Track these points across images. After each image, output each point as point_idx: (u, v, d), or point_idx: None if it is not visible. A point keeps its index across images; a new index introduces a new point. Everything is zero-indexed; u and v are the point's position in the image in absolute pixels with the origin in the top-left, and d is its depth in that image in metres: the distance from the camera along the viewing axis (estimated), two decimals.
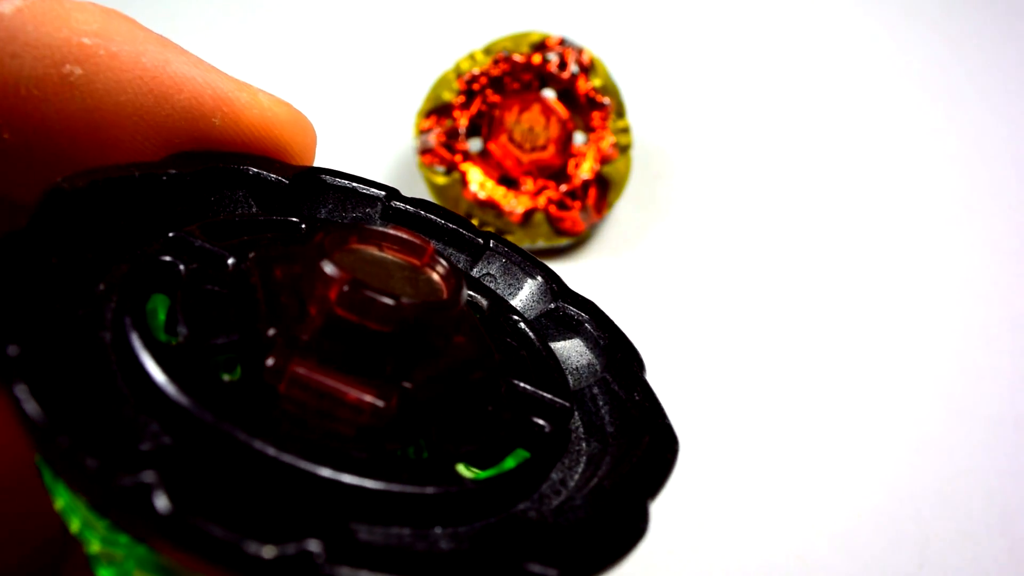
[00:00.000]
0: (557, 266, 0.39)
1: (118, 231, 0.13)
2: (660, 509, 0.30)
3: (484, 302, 0.15)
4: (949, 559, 0.30)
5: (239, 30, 0.49)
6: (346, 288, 0.11)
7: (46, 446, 0.09)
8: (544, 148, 0.38)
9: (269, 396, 0.11)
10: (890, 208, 0.42)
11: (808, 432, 0.33)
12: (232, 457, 0.10)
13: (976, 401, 0.34)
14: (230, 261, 0.13)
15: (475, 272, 0.16)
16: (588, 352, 0.15)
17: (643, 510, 0.12)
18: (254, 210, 0.15)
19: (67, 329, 0.11)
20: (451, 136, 0.38)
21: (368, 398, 0.11)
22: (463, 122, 0.38)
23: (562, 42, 0.38)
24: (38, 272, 0.11)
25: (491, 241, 0.16)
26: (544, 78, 0.38)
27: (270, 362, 0.11)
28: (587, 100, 0.38)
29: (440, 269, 0.13)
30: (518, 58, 0.38)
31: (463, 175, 0.38)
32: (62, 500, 0.11)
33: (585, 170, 0.38)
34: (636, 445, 0.13)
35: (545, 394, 0.13)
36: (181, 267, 0.12)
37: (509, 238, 0.38)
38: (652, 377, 0.15)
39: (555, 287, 0.16)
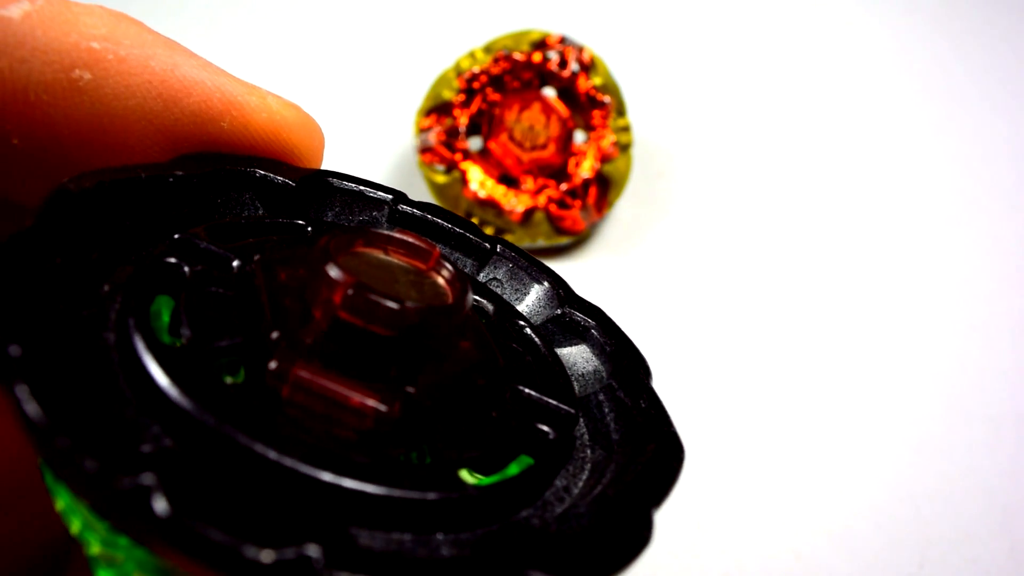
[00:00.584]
0: (557, 265, 0.39)
1: (124, 232, 0.13)
2: (661, 509, 0.30)
3: (490, 307, 0.15)
4: (949, 559, 0.30)
5: (240, 30, 0.49)
6: (350, 291, 0.11)
7: (46, 447, 0.09)
8: (544, 147, 0.38)
9: (272, 400, 0.11)
10: (891, 207, 0.42)
11: (808, 431, 0.33)
12: (233, 460, 0.10)
13: (976, 401, 0.34)
14: (235, 264, 0.12)
15: (482, 277, 0.16)
16: (594, 359, 0.15)
17: (647, 519, 0.11)
18: (260, 212, 0.15)
19: (70, 330, 0.11)
20: (451, 135, 0.38)
21: (371, 403, 0.11)
22: (463, 121, 0.38)
23: (562, 40, 0.38)
24: (42, 272, 0.11)
25: (498, 246, 0.16)
26: (544, 76, 0.38)
27: (273, 365, 0.11)
28: (587, 98, 0.38)
29: (446, 273, 0.13)
30: (518, 56, 0.38)
31: (463, 174, 0.38)
32: (63, 501, 0.11)
33: (585, 169, 0.38)
34: (641, 453, 0.13)
35: (550, 400, 0.13)
36: (186, 269, 0.12)
37: (509, 237, 0.38)
38: (653, 377, 0.15)
39: (562, 293, 0.16)
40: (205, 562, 0.09)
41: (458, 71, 0.38)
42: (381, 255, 0.13)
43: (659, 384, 0.36)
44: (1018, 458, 0.33)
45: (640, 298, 0.38)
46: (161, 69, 0.14)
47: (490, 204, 0.38)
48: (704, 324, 0.37)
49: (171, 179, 0.14)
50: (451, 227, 0.16)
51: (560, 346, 0.15)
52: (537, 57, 0.38)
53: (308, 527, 0.10)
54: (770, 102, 0.46)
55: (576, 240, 0.40)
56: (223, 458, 0.10)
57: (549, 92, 0.39)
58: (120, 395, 0.10)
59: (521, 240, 0.38)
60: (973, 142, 0.45)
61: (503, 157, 0.38)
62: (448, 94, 0.38)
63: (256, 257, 0.13)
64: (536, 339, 0.15)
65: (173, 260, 0.12)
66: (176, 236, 0.13)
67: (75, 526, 0.11)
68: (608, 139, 0.38)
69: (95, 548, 0.11)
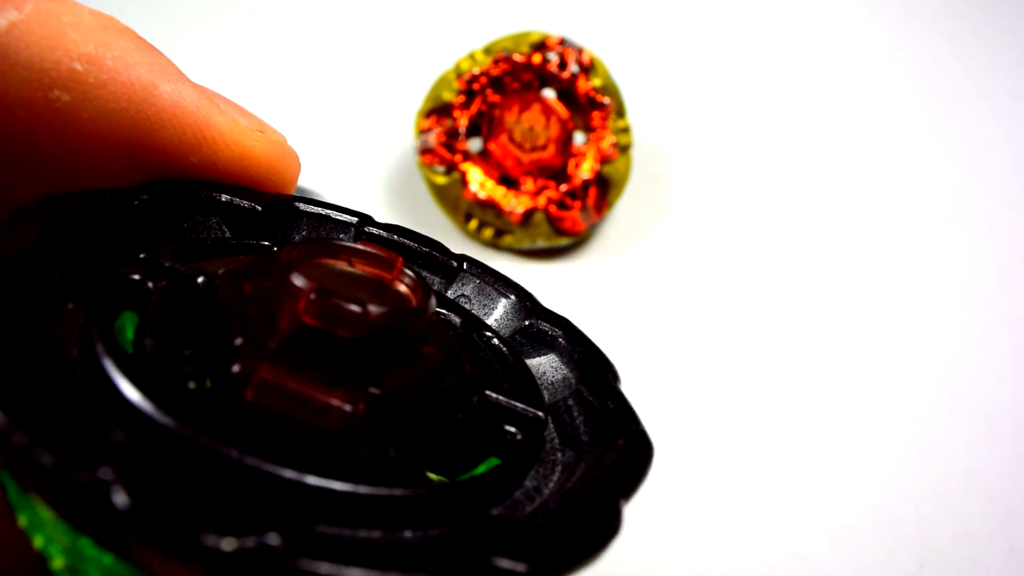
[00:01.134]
0: (557, 266, 0.39)
1: (89, 254, 0.13)
2: (662, 510, 0.30)
3: (457, 320, 0.15)
4: (949, 559, 0.30)
5: (240, 32, 0.49)
6: (313, 296, 0.11)
7: (3, 445, 0.09)
8: (544, 148, 0.38)
9: (235, 402, 0.11)
10: (890, 208, 0.42)
11: (809, 431, 0.33)
12: (196, 462, 0.10)
13: (976, 401, 0.34)
14: (200, 279, 0.13)
15: (450, 294, 0.16)
16: (563, 366, 0.15)
17: (615, 509, 0.11)
18: (228, 236, 0.15)
19: (34, 344, 0.11)
20: (451, 136, 0.38)
21: (336, 402, 0.11)
22: (463, 122, 0.38)
23: (562, 42, 0.38)
24: (2, 288, 0.11)
25: (465, 263, 0.17)
26: (544, 78, 0.38)
27: (236, 368, 0.11)
28: (587, 100, 0.38)
29: (408, 281, 0.13)
30: (518, 58, 0.38)
31: (463, 175, 0.38)
32: (24, 518, 0.11)
33: (585, 170, 0.38)
34: (610, 449, 0.13)
35: (517, 404, 0.13)
36: (150, 284, 0.12)
37: (509, 238, 0.38)
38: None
39: (529, 305, 0.16)
40: (165, 552, 0.09)
41: (458, 72, 0.38)
42: (344, 266, 0.13)
43: (657, 384, 0.36)
44: (1018, 458, 0.33)
45: (640, 299, 0.38)
46: (140, 98, 0.14)
47: (490, 205, 0.38)
48: (704, 324, 0.37)
49: (136, 202, 0.14)
50: (417, 247, 0.17)
51: (529, 356, 0.15)
52: (537, 58, 0.38)
53: (271, 521, 0.10)
54: (770, 103, 0.46)
55: (576, 241, 0.40)
56: (186, 460, 0.10)
57: (549, 93, 0.39)
58: (83, 403, 0.11)
59: (521, 241, 0.38)
60: (973, 142, 0.45)
61: (503, 158, 0.38)
62: (448, 95, 0.38)
63: (221, 271, 0.13)
64: (504, 348, 0.15)
65: (137, 277, 0.12)
66: (142, 256, 0.13)
67: (38, 541, 0.11)
68: (608, 140, 0.38)
69: (58, 561, 0.11)
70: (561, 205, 0.38)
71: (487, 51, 0.39)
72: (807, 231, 0.41)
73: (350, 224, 0.16)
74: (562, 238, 0.38)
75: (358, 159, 0.43)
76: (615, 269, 0.39)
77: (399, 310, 0.12)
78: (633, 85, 0.44)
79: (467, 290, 0.16)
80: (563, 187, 0.38)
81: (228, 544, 0.09)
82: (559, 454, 0.14)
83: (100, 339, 0.11)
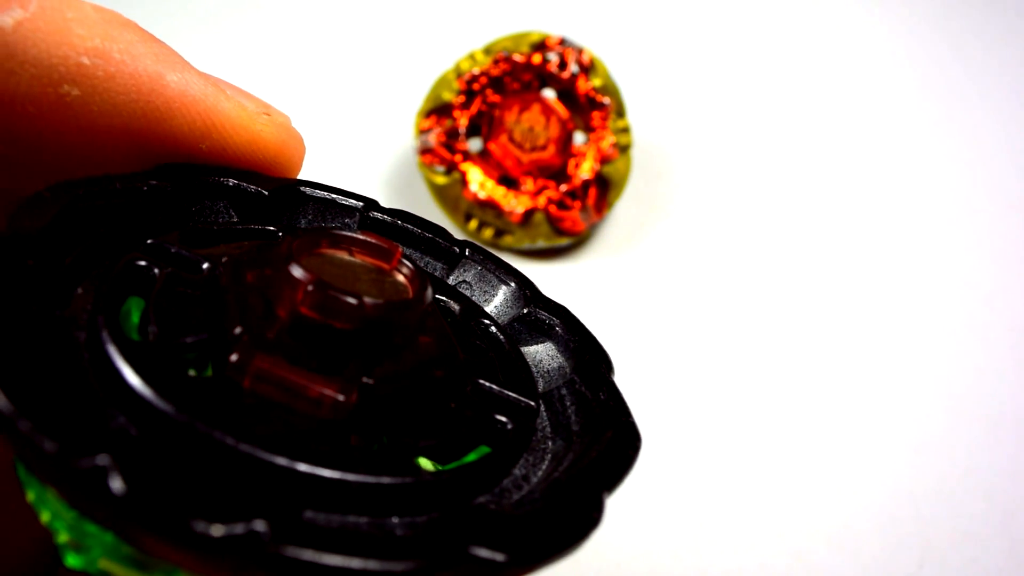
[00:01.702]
0: (557, 266, 0.39)
1: (98, 239, 0.13)
2: (661, 509, 0.30)
3: (456, 307, 0.16)
4: (949, 559, 0.30)
5: (241, 31, 0.49)
6: (311, 288, 0.12)
7: (10, 431, 0.10)
8: (544, 148, 0.38)
9: (233, 391, 0.11)
10: (890, 208, 0.42)
11: (809, 431, 0.33)
12: (193, 448, 0.10)
13: (976, 401, 0.34)
14: (204, 266, 0.13)
15: (451, 280, 0.17)
16: (559, 355, 0.15)
17: (598, 501, 0.12)
18: (234, 220, 0.15)
19: (43, 330, 0.11)
20: (451, 136, 0.38)
21: (329, 392, 0.11)
22: (463, 122, 0.38)
23: (562, 42, 0.38)
24: (13, 274, 0.11)
25: (467, 250, 0.17)
26: (544, 78, 0.38)
27: (234, 357, 0.11)
28: (587, 100, 0.38)
29: (406, 271, 0.14)
30: (518, 58, 0.38)
31: (463, 175, 0.38)
32: (32, 493, 0.12)
33: (585, 170, 0.38)
34: (598, 441, 0.13)
35: (510, 393, 0.14)
36: (156, 271, 0.13)
37: (509, 238, 0.38)
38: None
39: (528, 293, 0.16)
40: (157, 536, 0.09)
41: (458, 73, 0.38)
42: (345, 256, 0.14)
43: (658, 384, 0.36)
44: (1018, 458, 0.33)
45: (640, 299, 0.38)
46: (148, 89, 0.14)
47: (490, 205, 0.38)
48: (704, 324, 0.37)
49: (145, 188, 0.14)
50: (421, 232, 0.17)
51: (526, 344, 0.16)
52: (537, 59, 0.38)
53: (261, 507, 0.10)
54: (770, 103, 0.46)
55: (576, 241, 0.40)
56: (183, 445, 0.10)
57: (549, 93, 0.39)
58: (88, 389, 0.11)
59: (521, 241, 0.38)
60: (972, 142, 0.45)
61: (503, 158, 0.38)
62: (448, 96, 0.38)
63: (224, 259, 0.13)
64: (500, 336, 0.15)
65: (143, 263, 0.13)
66: (149, 241, 0.13)
67: (45, 516, 0.11)
68: (608, 140, 0.38)
69: (63, 536, 0.11)
70: (561, 205, 0.38)
71: (487, 51, 0.39)
72: (807, 231, 0.41)
73: (355, 209, 0.17)
74: (562, 238, 0.38)
75: (358, 159, 0.43)
76: (615, 269, 0.39)
77: (394, 302, 0.12)
78: (633, 85, 0.44)
79: (468, 276, 0.17)
80: (563, 187, 0.38)
81: (216, 530, 0.09)
82: (550, 443, 0.14)
83: (105, 326, 0.11)
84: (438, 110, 0.38)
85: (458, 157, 0.38)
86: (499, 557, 0.10)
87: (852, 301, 0.38)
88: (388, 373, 0.12)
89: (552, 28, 0.45)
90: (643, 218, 0.41)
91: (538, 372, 0.15)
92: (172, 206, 0.15)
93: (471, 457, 0.13)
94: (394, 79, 0.46)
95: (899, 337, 0.36)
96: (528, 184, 0.38)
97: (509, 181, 0.39)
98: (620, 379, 0.15)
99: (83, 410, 0.10)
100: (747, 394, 0.34)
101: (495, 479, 0.13)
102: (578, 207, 0.38)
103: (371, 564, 0.10)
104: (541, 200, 0.38)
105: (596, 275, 0.39)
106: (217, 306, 0.12)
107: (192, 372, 0.12)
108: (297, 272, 0.12)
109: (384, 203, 0.17)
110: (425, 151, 0.38)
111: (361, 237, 0.14)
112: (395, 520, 0.11)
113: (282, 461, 0.10)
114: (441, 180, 0.38)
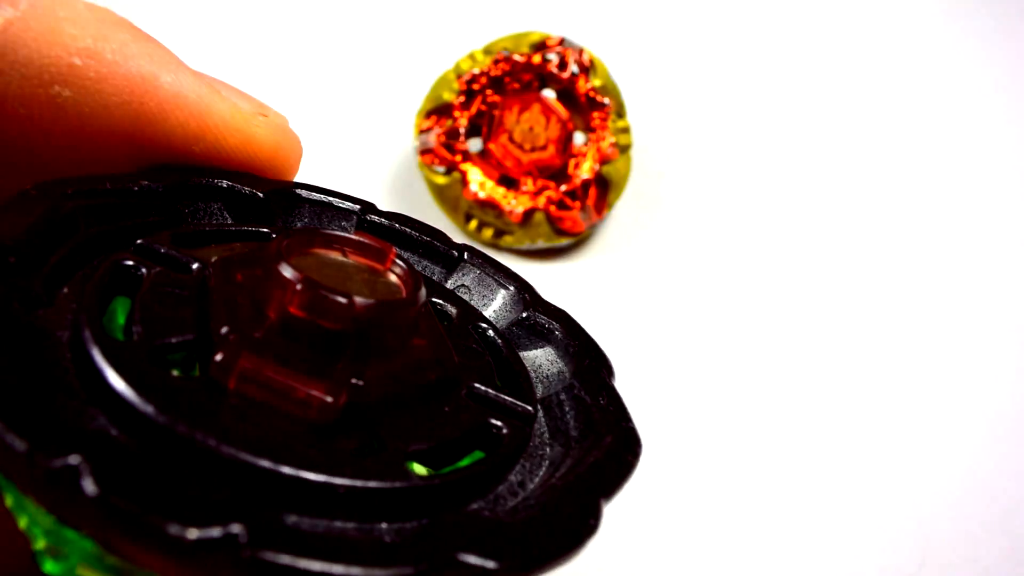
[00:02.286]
0: (557, 266, 0.39)
1: (87, 239, 0.13)
2: (661, 509, 0.30)
3: (453, 311, 0.15)
4: (949, 559, 0.30)
5: (240, 31, 0.49)
6: (299, 287, 0.11)
7: None
8: (544, 148, 0.38)
9: (218, 392, 0.11)
10: (891, 207, 0.42)
11: (809, 432, 0.33)
12: (174, 449, 0.10)
13: (976, 401, 0.34)
14: (194, 266, 0.13)
15: (449, 284, 0.16)
16: (558, 360, 0.15)
17: (595, 508, 0.11)
18: (228, 222, 0.15)
19: (23, 328, 0.11)
20: (451, 136, 0.38)
21: (316, 393, 0.11)
22: (463, 122, 0.38)
23: (562, 42, 0.38)
24: None
25: (466, 253, 0.17)
26: (544, 78, 0.38)
27: (219, 357, 0.11)
28: (587, 100, 0.38)
29: (399, 271, 0.13)
30: (518, 58, 0.38)
31: (463, 175, 0.38)
32: (10, 498, 0.11)
33: (585, 170, 0.38)
34: (597, 447, 0.13)
35: (507, 398, 0.13)
36: (143, 271, 0.12)
37: (509, 238, 0.38)
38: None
39: (527, 297, 0.16)
40: (130, 539, 0.09)
41: (458, 73, 0.38)
42: (337, 256, 0.13)
43: (657, 384, 0.36)
44: (1018, 458, 0.33)
45: (640, 299, 0.38)
46: (140, 90, 0.14)
47: (490, 205, 0.38)
48: (705, 324, 0.37)
49: (136, 188, 0.14)
50: (419, 235, 0.17)
51: (525, 349, 0.15)
52: (537, 59, 0.38)
53: (242, 510, 0.10)
54: (770, 103, 0.46)
55: (576, 241, 0.40)
56: (164, 447, 0.10)
57: (549, 94, 0.39)
58: (69, 388, 0.11)
59: (521, 241, 0.38)
60: (973, 142, 0.45)
61: (503, 158, 0.38)
62: (448, 96, 0.38)
63: (214, 259, 0.13)
64: (498, 340, 0.15)
65: (131, 263, 0.12)
66: (139, 241, 0.13)
67: (22, 521, 0.11)
68: (608, 140, 0.38)
69: (40, 542, 0.11)
70: (561, 205, 0.38)
71: (487, 51, 0.39)
72: (807, 231, 0.41)
73: (352, 212, 0.16)
74: (562, 238, 0.38)
75: (358, 159, 0.43)
76: (615, 269, 0.39)
77: (385, 302, 0.12)
78: (633, 85, 0.44)
79: (467, 280, 0.16)
80: (563, 187, 0.38)
81: (192, 534, 0.09)
82: (548, 448, 0.14)
83: (88, 325, 0.11)
84: (438, 110, 0.38)
85: (458, 157, 0.38)
86: (490, 564, 0.10)
87: (852, 303, 0.38)
88: (379, 375, 0.12)
89: (552, 28, 0.45)
90: (643, 218, 0.41)
91: (537, 377, 0.15)
92: (164, 207, 0.14)
93: (465, 462, 0.13)
94: (394, 79, 0.46)
95: (899, 337, 0.36)
96: (528, 184, 0.38)
97: (509, 181, 0.39)
98: (619, 380, 0.15)
99: (61, 410, 0.10)
100: (748, 395, 0.34)
101: (489, 485, 0.12)
102: (578, 207, 0.38)
103: (354, 570, 0.09)
104: (541, 200, 0.38)
105: (596, 275, 0.39)
106: (205, 306, 0.12)
107: (177, 373, 0.11)
108: (286, 271, 0.12)
109: (384, 203, 0.17)
110: (425, 151, 0.38)
111: (354, 237, 0.13)
112: (383, 526, 0.11)
113: (266, 463, 0.10)
114: (441, 180, 0.38)
